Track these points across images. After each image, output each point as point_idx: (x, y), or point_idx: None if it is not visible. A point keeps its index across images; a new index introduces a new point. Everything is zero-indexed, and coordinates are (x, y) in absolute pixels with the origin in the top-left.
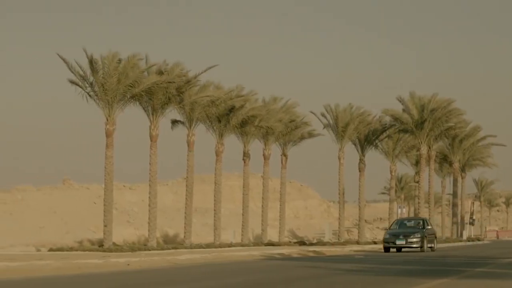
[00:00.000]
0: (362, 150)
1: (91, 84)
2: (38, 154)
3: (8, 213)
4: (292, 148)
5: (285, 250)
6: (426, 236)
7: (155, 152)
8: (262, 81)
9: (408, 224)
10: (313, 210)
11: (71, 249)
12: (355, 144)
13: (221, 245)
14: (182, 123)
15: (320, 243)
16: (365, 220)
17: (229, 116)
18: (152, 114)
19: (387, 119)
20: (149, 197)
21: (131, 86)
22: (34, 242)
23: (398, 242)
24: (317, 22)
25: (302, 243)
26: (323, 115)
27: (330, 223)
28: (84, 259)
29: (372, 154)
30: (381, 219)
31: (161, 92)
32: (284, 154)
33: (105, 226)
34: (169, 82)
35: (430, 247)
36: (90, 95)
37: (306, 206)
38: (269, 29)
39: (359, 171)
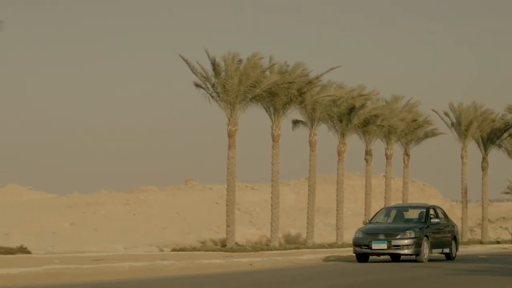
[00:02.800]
0: (485, 148)
1: (213, 86)
2: (162, 156)
3: (131, 213)
4: (413, 148)
5: None
6: (428, 236)
7: (277, 152)
8: (381, 80)
9: (405, 214)
10: None
11: (194, 249)
12: (478, 143)
13: (343, 245)
14: (304, 123)
15: None
16: (488, 220)
17: (351, 115)
18: (274, 115)
19: (510, 116)
20: (272, 197)
21: (252, 87)
22: (157, 242)
23: (376, 246)
24: (430, 21)
25: None
26: (446, 114)
27: None
28: (207, 259)
29: (495, 153)
30: (504, 218)
31: (282, 93)
32: (406, 154)
33: (228, 226)
34: (290, 82)
35: (446, 254)
36: (212, 96)
37: None
38: (385, 29)
39: (482, 170)
